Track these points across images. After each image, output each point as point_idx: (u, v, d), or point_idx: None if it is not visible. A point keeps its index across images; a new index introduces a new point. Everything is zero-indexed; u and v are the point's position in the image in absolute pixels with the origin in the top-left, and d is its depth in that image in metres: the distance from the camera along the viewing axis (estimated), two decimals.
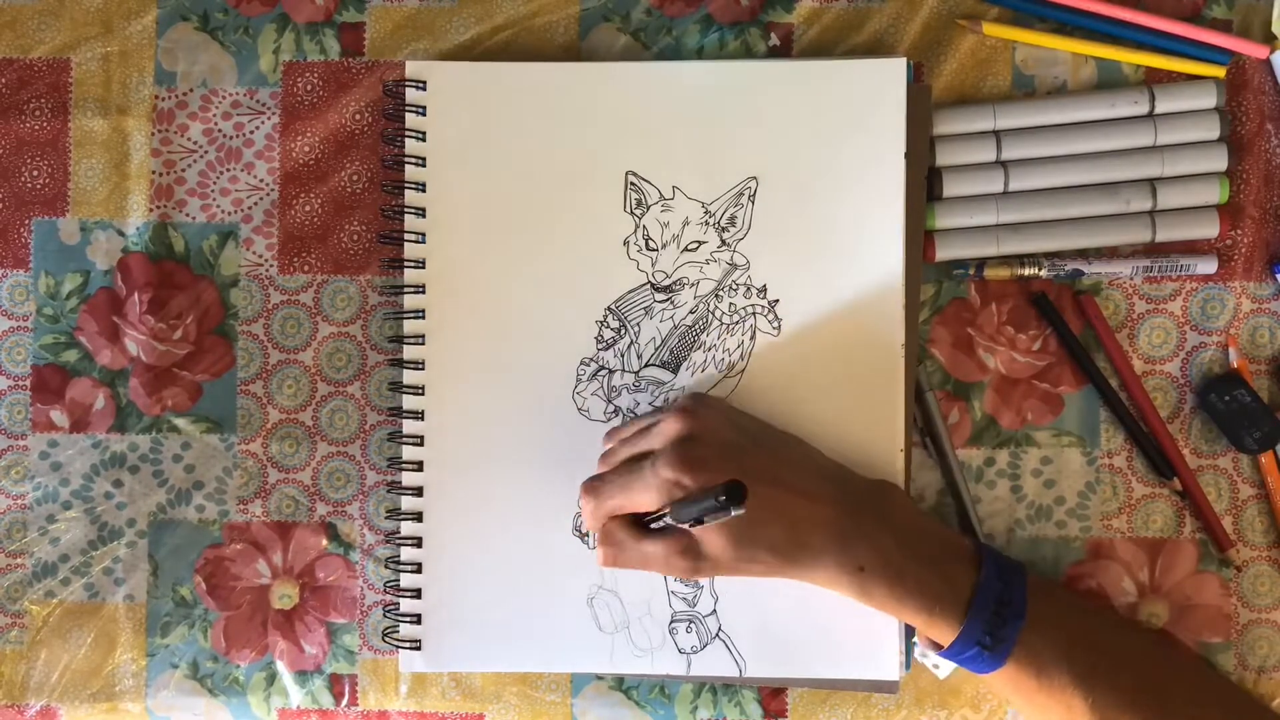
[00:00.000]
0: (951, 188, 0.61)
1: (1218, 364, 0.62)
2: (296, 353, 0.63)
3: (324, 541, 0.63)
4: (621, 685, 0.62)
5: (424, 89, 0.62)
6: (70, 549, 0.63)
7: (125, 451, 0.63)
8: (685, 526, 0.53)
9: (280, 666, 0.63)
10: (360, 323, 0.63)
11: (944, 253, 0.61)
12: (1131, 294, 0.62)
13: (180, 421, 0.63)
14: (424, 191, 0.62)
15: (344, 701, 0.63)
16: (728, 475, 0.50)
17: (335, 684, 0.63)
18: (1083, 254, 0.62)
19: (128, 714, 0.63)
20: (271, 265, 0.63)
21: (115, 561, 0.63)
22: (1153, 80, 0.62)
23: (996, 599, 0.54)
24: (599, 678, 0.62)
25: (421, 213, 0.62)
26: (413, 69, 0.62)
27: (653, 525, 0.56)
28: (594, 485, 0.57)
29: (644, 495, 0.55)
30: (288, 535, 0.63)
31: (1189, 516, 0.62)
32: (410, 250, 0.62)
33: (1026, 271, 0.61)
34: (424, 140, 0.62)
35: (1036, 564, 0.62)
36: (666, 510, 0.54)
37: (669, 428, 0.56)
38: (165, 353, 0.63)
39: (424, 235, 0.62)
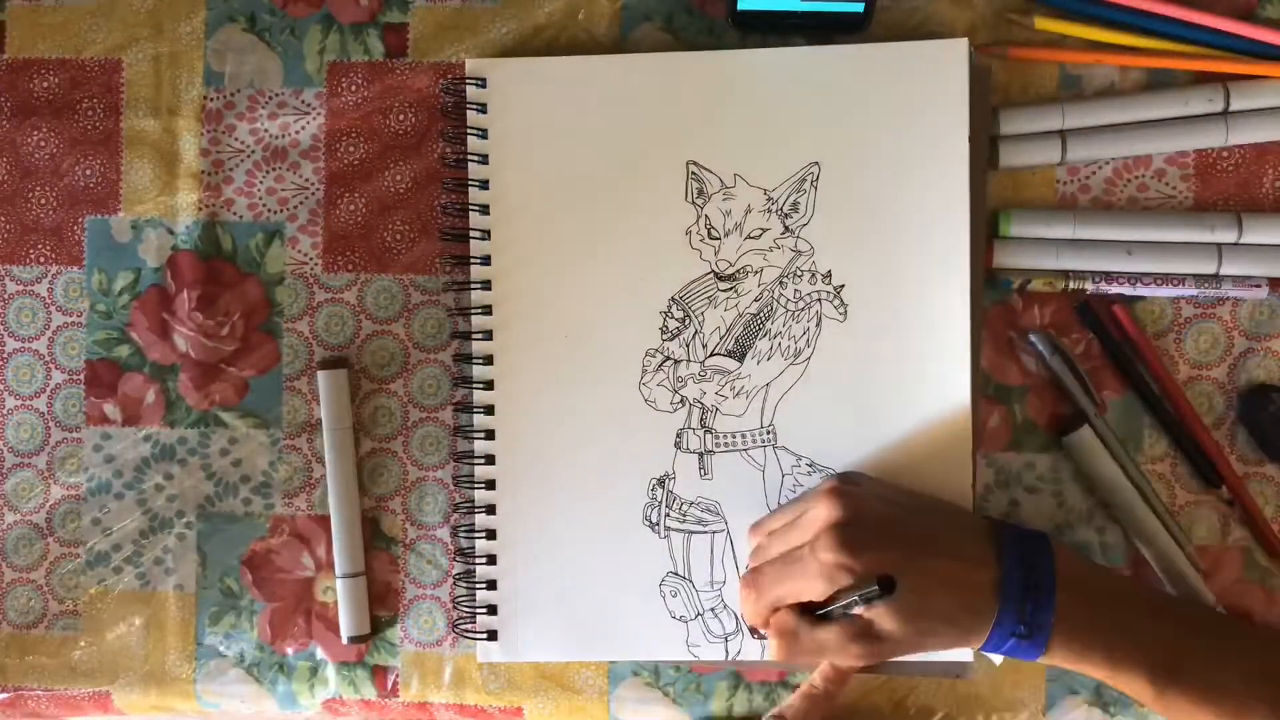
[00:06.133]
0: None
1: (1266, 371, 0.61)
2: (340, 350, 0.64)
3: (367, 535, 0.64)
4: (658, 681, 0.63)
5: (484, 86, 0.62)
6: (122, 539, 0.65)
7: (175, 445, 0.65)
8: (857, 611, 0.54)
9: (324, 657, 0.64)
10: (403, 320, 0.64)
11: (1001, 260, 0.61)
12: (1178, 298, 0.61)
13: (227, 416, 0.65)
14: (487, 189, 0.62)
15: (387, 693, 0.64)
16: (889, 552, 0.53)
17: (378, 675, 0.64)
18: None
19: (177, 700, 0.65)
20: (316, 264, 0.64)
21: (165, 551, 0.65)
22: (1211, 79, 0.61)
23: (1022, 585, 0.53)
24: (635, 673, 0.63)
25: (485, 209, 0.62)
26: (473, 66, 0.63)
27: (819, 614, 0.56)
28: (753, 578, 0.57)
29: (807, 583, 0.55)
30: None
31: (1234, 524, 0.61)
32: (476, 247, 0.62)
33: (1072, 286, 0.60)
34: (485, 137, 0.62)
35: None
36: (838, 600, 0.54)
37: (821, 513, 0.55)
38: (213, 349, 0.64)
39: (488, 232, 0.62)
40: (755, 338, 0.61)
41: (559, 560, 0.62)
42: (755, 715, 0.63)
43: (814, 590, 0.54)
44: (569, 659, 0.63)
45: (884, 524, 0.55)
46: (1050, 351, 0.60)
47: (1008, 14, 0.62)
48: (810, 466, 0.61)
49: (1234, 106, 0.60)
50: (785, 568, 0.56)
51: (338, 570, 0.63)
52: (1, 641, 0.66)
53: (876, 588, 0.52)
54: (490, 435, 0.62)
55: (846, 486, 0.57)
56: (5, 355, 0.66)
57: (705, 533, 0.61)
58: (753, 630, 0.61)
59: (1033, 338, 0.61)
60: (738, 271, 0.61)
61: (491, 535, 0.62)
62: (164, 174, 0.65)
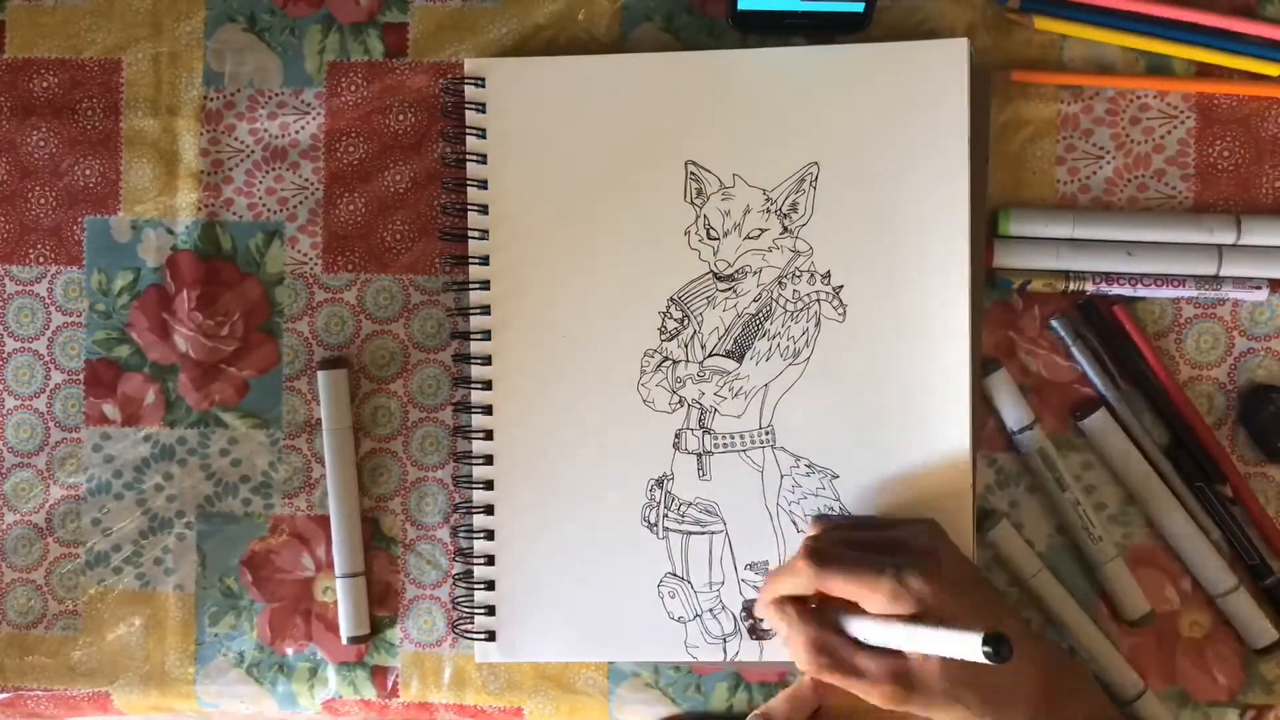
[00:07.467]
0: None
1: (1266, 371, 0.61)
2: (340, 350, 0.64)
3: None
4: (658, 682, 0.63)
5: (483, 85, 0.62)
6: (122, 539, 0.65)
7: (174, 445, 0.65)
8: (898, 647, 0.52)
9: (324, 657, 0.64)
10: (403, 320, 0.64)
11: (1001, 260, 0.61)
12: (1179, 298, 0.61)
13: (227, 416, 0.65)
14: (486, 188, 0.62)
15: (387, 693, 0.64)
16: (972, 607, 0.52)
17: (378, 675, 0.64)
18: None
19: (177, 700, 0.65)
20: (316, 264, 0.64)
21: (165, 552, 0.65)
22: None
23: None
24: (635, 673, 0.63)
25: (484, 209, 0.62)
26: (471, 66, 0.62)
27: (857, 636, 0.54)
28: (821, 555, 0.54)
29: (874, 592, 0.52)
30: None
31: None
32: (474, 247, 0.62)
33: (1072, 287, 0.60)
34: (484, 137, 0.62)
35: (1075, 569, 0.61)
36: (903, 619, 0.51)
37: (919, 540, 0.55)
38: (213, 349, 0.64)
39: (487, 232, 0.62)
40: (754, 338, 0.61)
41: (557, 560, 0.62)
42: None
43: (871, 599, 0.52)
44: (566, 659, 0.63)
45: (972, 584, 0.55)
46: (1073, 338, 0.60)
47: (1008, 14, 0.61)
48: (809, 467, 0.61)
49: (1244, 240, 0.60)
50: (859, 565, 0.53)
51: (337, 570, 0.63)
52: (1, 641, 0.66)
53: (983, 639, 0.45)
54: (489, 435, 0.62)
55: (944, 536, 0.56)
56: (5, 355, 0.66)
57: (703, 534, 0.61)
58: (751, 630, 0.61)
59: (1055, 323, 0.61)
60: (736, 272, 0.61)
61: (490, 535, 0.62)
62: (163, 174, 0.65)
